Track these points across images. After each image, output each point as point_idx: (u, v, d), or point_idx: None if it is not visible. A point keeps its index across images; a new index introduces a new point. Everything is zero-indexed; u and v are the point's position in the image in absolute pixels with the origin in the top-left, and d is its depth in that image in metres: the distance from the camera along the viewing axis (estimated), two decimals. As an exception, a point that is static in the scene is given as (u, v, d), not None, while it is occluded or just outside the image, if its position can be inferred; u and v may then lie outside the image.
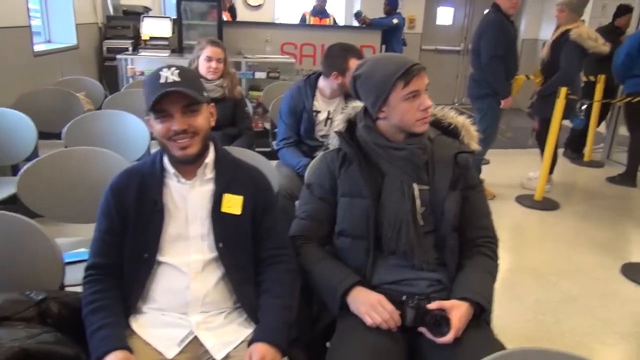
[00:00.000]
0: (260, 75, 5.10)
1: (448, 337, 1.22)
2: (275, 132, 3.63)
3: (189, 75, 1.28)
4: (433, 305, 1.27)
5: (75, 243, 1.96)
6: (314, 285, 1.41)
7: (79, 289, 1.40)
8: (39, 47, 4.10)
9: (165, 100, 1.22)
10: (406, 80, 1.34)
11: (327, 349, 1.41)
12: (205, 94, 1.31)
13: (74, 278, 1.48)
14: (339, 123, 1.55)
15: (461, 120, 1.53)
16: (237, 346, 1.25)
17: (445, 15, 8.11)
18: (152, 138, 2.84)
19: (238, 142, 2.76)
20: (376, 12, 6.99)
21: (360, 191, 1.40)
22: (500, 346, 1.25)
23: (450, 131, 1.52)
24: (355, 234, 1.42)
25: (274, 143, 3.64)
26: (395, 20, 6.69)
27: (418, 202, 1.39)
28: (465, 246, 1.43)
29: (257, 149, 2.95)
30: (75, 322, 1.24)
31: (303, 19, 7.10)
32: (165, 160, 1.32)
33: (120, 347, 1.14)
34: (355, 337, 1.26)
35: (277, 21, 7.76)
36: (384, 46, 6.63)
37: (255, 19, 7.31)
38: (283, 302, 1.30)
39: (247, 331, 1.28)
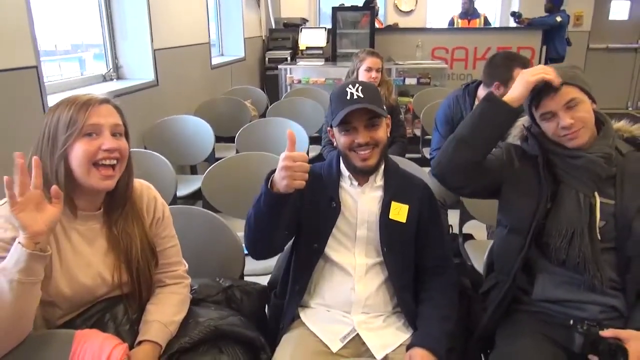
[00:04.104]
0: (410, 81, 5.12)
1: (626, 370, 1.13)
2: (425, 139, 3.64)
3: (371, 91, 1.36)
4: (607, 333, 1.19)
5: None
6: (466, 127, 1.38)
7: (255, 278, 1.59)
8: (215, 61, 4.63)
9: (351, 115, 1.32)
10: (536, 103, 1.34)
11: (483, 362, 1.40)
12: (384, 107, 1.39)
13: (250, 269, 1.68)
14: (524, 122, 1.48)
15: None
16: (395, 349, 1.31)
17: (620, 10, 7.26)
18: (311, 142, 3.09)
19: (391, 150, 2.81)
20: (536, 10, 6.55)
21: (532, 191, 1.35)
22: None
23: None
24: (512, 227, 1.39)
25: (424, 150, 3.65)
26: (558, 19, 6.19)
27: (598, 215, 1.30)
28: None
29: (407, 156, 3.00)
30: (254, 309, 1.42)
31: (451, 22, 6.96)
32: (342, 164, 1.43)
33: None
34: (517, 355, 1.23)
35: (428, 25, 7.68)
36: (544, 47, 6.18)
37: (406, 25, 7.34)
38: (444, 313, 1.33)
39: (405, 336, 1.33)
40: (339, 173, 1.42)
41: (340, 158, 1.42)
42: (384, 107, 1.38)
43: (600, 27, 7.18)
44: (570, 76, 1.31)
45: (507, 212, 1.42)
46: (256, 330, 1.33)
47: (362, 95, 1.32)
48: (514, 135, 1.47)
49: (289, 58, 5.88)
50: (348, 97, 1.32)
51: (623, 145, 1.35)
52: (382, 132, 1.36)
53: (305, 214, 1.39)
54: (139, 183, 1.27)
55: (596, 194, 1.29)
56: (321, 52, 5.88)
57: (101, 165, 1.10)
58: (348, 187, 1.42)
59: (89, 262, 1.14)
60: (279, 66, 5.41)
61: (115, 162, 1.12)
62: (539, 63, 6.24)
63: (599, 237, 1.28)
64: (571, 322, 1.26)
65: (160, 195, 1.30)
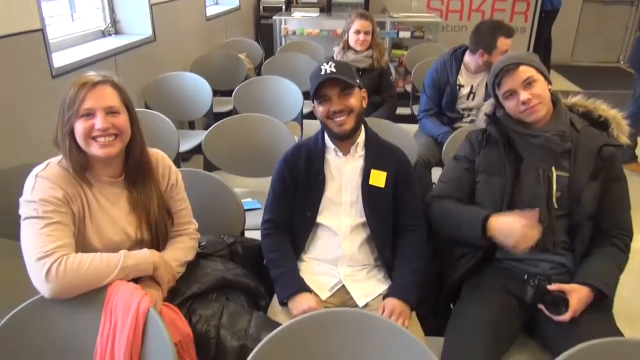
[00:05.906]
0: (404, 34, 5.15)
1: (565, 316, 1.35)
2: (415, 96, 3.76)
3: (343, 66, 1.54)
4: (553, 287, 1.40)
5: (244, 193, 2.38)
6: (454, 224, 1.55)
7: (253, 234, 1.78)
8: (209, 11, 4.61)
9: (324, 87, 1.51)
10: (499, 83, 1.52)
11: (451, 310, 1.63)
12: (357, 80, 1.54)
13: (250, 223, 1.88)
14: (487, 106, 1.67)
15: (612, 114, 1.56)
16: (374, 298, 1.53)
17: (618, -40, 7.15)
18: (305, 98, 3.21)
19: (380, 111, 2.94)
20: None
21: (499, 170, 1.54)
22: (617, 332, 1.35)
23: (600, 123, 1.56)
24: (487, 205, 1.56)
25: (414, 107, 3.79)
26: (554, -29, 6.13)
27: (554, 186, 1.48)
28: (597, 235, 1.49)
29: (397, 111, 3.13)
30: (254, 262, 1.62)
31: None
32: (326, 138, 1.60)
33: (303, 290, 1.47)
34: (477, 305, 1.45)
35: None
36: (539, 1, 6.17)
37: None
38: (415, 266, 1.53)
39: (383, 287, 1.55)
40: (324, 147, 1.60)
41: (325, 132, 1.59)
42: (357, 81, 1.55)
43: (598, -21, 7.11)
44: (526, 58, 1.50)
45: (481, 192, 1.59)
46: (256, 281, 1.54)
47: (334, 70, 1.49)
48: (480, 119, 1.64)
49: (283, 7, 5.83)
50: (322, 73, 1.50)
51: (578, 121, 1.53)
52: (355, 100, 1.53)
53: (299, 188, 1.59)
54: (155, 152, 1.44)
55: (553, 168, 1.47)
56: (316, 1, 5.83)
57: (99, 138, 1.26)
58: (333, 158, 1.60)
59: (114, 221, 1.33)
60: (274, 17, 5.39)
61: (112, 137, 1.27)
62: (534, 16, 6.26)
63: (555, 206, 1.48)
64: (525, 276, 1.48)
65: (168, 156, 1.48)
